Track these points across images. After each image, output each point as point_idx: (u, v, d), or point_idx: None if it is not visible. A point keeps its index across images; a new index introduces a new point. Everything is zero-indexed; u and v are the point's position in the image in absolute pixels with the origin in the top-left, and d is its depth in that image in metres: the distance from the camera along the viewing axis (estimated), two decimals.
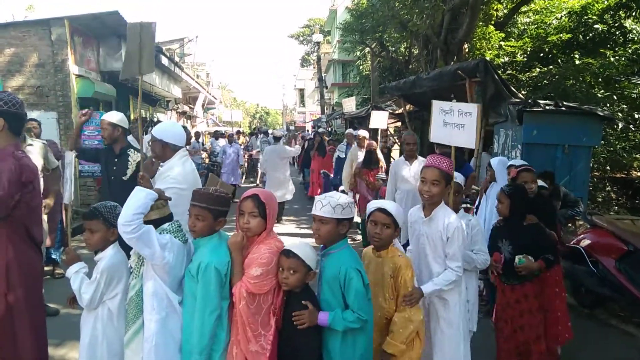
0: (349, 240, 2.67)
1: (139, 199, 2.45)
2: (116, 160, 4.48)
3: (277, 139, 10.70)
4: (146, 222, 2.51)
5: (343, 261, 2.48)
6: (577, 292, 4.61)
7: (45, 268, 6.02)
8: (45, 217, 4.93)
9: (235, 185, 12.02)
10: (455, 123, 3.42)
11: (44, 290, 4.93)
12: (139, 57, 3.68)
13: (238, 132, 21.60)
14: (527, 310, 3.31)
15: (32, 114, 8.77)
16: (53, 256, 5.97)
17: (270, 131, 16.20)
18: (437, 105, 3.66)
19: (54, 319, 4.69)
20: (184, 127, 9.30)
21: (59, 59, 8.89)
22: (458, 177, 3.40)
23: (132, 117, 12.94)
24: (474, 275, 3.21)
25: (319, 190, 11.26)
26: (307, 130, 31.11)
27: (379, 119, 9.84)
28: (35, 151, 4.82)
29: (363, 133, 8.89)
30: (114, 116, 4.51)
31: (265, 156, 10.27)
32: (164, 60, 13.85)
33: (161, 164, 3.65)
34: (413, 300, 2.68)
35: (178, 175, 3.41)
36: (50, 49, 8.89)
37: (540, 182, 4.33)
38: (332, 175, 10.94)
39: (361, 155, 8.15)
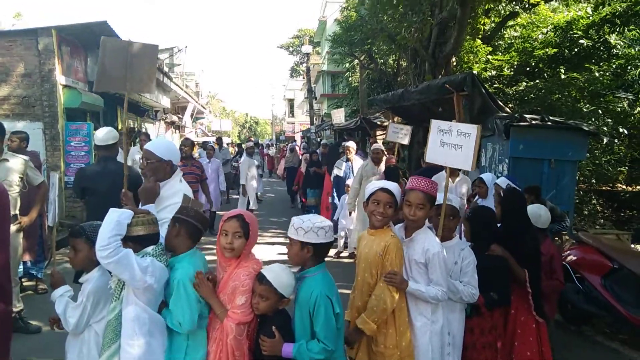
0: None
1: (112, 220, 2.38)
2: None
3: (249, 152, 11.17)
4: (132, 238, 2.47)
5: (314, 287, 2.44)
6: (563, 308, 4.62)
7: (28, 283, 5.95)
8: (21, 234, 4.82)
9: (214, 213, 9.34)
10: (452, 143, 3.32)
11: (28, 307, 4.86)
12: (131, 74, 3.54)
13: (228, 144, 21.52)
14: (476, 342, 3.09)
15: (17, 125, 8.72)
16: (32, 271, 5.84)
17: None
18: (435, 124, 3.52)
19: (35, 337, 4.59)
20: (188, 139, 9.29)
21: (46, 69, 8.81)
22: (454, 200, 3.22)
23: (119, 128, 12.85)
24: (458, 307, 2.99)
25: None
26: (295, 141, 31.06)
27: (401, 134, 8.19)
28: (10, 166, 4.67)
29: (370, 146, 8.73)
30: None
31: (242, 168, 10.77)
32: None
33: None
34: (394, 280, 2.66)
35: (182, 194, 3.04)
36: (37, 58, 8.81)
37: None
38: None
39: (374, 170, 7.38)
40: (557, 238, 6.09)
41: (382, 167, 7.41)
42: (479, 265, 3.01)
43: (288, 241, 2.58)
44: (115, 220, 2.38)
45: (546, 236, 3.86)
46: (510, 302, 3.20)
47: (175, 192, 3.07)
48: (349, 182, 8.10)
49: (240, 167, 10.97)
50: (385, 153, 7.92)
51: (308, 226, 2.46)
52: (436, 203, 2.97)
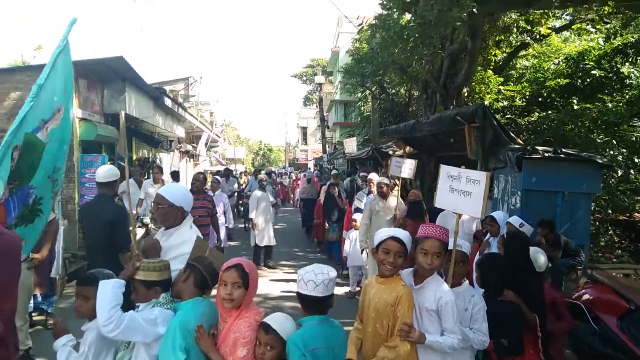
0: None
1: (106, 293, 2.40)
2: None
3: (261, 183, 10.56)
4: (145, 282, 2.51)
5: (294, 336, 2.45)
6: (579, 349, 4.48)
7: (38, 317, 5.94)
8: (32, 270, 4.87)
9: (222, 249, 8.84)
10: (462, 190, 3.30)
11: (36, 343, 4.84)
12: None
13: (241, 172, 21.49)
14: None
15: None
16: (42, 306, 5.85)
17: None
18: (444, 170, 3.52)
19: None
20: (201, 173, 9.29)
21: None
22: (464, 246, 3.17)
23: (134, 158, 13.02)
24: (468, 354, 2.92)
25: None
26: (310, 169, 31.18)
27: (406, 169, 7.70)
28: None
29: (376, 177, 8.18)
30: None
31: (251, 201, 10.15)
32: (167, 102, 14.04)
33: (164, 230, 3.16)
34: (410, 336, 2.59)
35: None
36: None
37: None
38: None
39: (381, 205, 7.23)
40: (572, 274, 5.97)
41: (392, 201, 7.25)
42: (490, 311, 2.95)
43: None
44: (110, 292, 2.40)
45: (544, 279, 3.80)
46: (522, 351, 3.13)
47: (184, 240, 2.98)
48: (357, 217, 7.89)
49: (250, 202, 10.36)
50: (398, 185, 7.80)
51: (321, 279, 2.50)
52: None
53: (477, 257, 4.35)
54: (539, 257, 3.73)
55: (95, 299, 2.57)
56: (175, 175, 10.57)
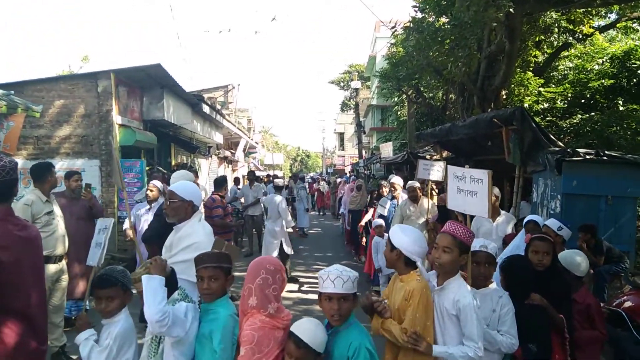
0: None
1: (156, 289, 2.43)
2: None
3: (278, 189, 9.56)
4: None
5: (354, 337, 2.36)
6: (620, 359, 4.26)
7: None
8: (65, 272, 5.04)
9: None
10: (468, 190, 3.21)
11: (71, 341, 4.96)
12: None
13: (273, 177, 21.32)
14: None
15: (77, 162, 9.20)
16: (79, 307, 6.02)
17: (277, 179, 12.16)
18: (451, 171, 3.44)
19: None
20: (251, 172, 9.28)
21: (104, 110, 9.29)
22: (489, 247, 3.07)
23: (172, 164, 13.31)
24: (496, 358, 2.83)
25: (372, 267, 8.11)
26: (346, 174, 31.11)
27: (435, 171, 7.40)
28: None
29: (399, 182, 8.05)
30: None
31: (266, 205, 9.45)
32: (206, 109, 14.31)
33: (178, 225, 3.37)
34: (418, 346, 2.52)
35: (203, 242, 3.19)
36: (97, 100, 9.32)
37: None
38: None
39: (412, 209, 7.10)
40: (615, 281, 5.71)
41: (425, 204, 7.14)
42: (517, 316, 2.85)
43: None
44: (159, 288, 2.45)
45: (583, 283, 3.61)
46: (550, 357, 2.99)
47: (193, 231, 3.25)
48: (379, 221, 7.66)
49: (270, 208, 9.13)
50: (435, 190, 7.62)
51: (355, 276, 2.45)
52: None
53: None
54: (579, 261, 3.58)
55: (120, 297, 2.65)
56: (218, 182, 9.64)
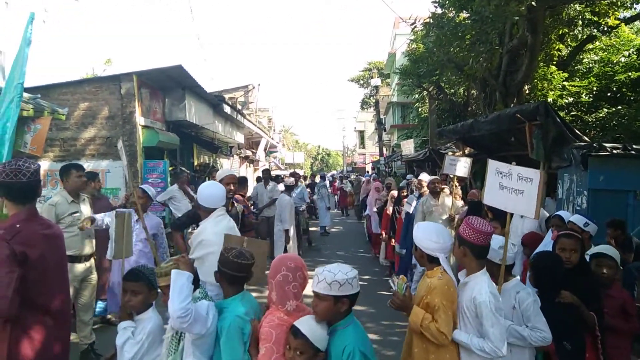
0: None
1: (183, 285, 2.46)
2: None
3: (289, 188, 9.71)
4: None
5: (348, 340, 2.32)
6: None
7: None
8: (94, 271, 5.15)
9: None
10: (513, 188, 3.09)
11: (100, 339, 5.07)
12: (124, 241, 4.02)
13: (293, 175, 21.13)
14: None
15: (102, 164, 9.36)
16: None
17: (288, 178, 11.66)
18: (493, 165, 3.33)
19: None
20: (266, 170, 9.29)
21: (127, 111, 9.43)
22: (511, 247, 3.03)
23: (195, 164, 13.45)
24: (527, 353, 2.82)
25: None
26: (367, 172, 31.01)
27: (461, 167, 7.40)
28: (87, 203, 5.24)
29: (425, 177, 7.87)
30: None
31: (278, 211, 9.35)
32: (227, 109, 14.42)
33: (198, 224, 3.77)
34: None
35: (210, 238, 3.49)
36: (120, 102, 9.46)
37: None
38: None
39: (433, 203, 7.04)
40: None
41: (447, 200, 7.05)
42: (548, 316, 2.81)
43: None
44: (186, 284, 2.48)
45: (616, 279, 3.56)
46: (584, 356, 2.96)
47: (202, 230, 3.59)
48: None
49: (278, 209, 9.31)
50: (457, 186, 7.53)
51: (343, 278, 2.32)
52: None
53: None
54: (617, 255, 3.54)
55: (145, 293, 2.73)
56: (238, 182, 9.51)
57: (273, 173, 24.03)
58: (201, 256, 3.32)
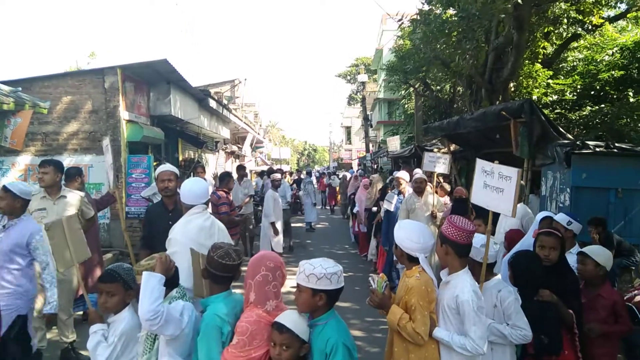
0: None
1: (153, 287, 2.43)
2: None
3: (274, 184, 9.90)
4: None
5: (330, 334, 2.33)
6: (631, 354, 4.23)
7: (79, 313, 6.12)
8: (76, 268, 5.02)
9: None
10: (494, 186, 3.13)
11: (80, 336, 4.98)
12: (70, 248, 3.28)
13: (282, 171, 21.11)
14: None
15: (85, 159, 9.23)
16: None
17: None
18: (480, 164, 3.36)
19: None
20: (241, 166, 9.40)
21: (111, 106, 9.31)
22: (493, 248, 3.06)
23: (179, 159, 13.33)
24: (508, 351, 2.84)
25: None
26: (352, 169, 31.06)
27: (441, 164, 7.56)
28: (68, 201, 5.00)
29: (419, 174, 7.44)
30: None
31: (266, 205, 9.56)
32: (213, 104, 14.31)
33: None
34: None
35: (176, 237, 3.47)
36: (104, 96, 9.33)
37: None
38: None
39: (416, 201, 6.98)
40: (625, 274, 5.65)
41: (430, 198, 7.05)
42: (527, 313, 2.84)
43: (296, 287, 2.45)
44: (157, 286, 2.45)
45: (607, 279, 3.58)
46: (560, 352, 2.99)
47: (174, 227, 3.58)
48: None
49: (265, 204, 9.59)
50: (443, 182, 7.56)
51: (321, 272, 2.33)
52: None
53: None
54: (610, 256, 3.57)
55: (121, 294, 2.66)
56: (222, 178, 9.45)
57: (259, 169, 23.97)
58: (170, 254, 3.21)
